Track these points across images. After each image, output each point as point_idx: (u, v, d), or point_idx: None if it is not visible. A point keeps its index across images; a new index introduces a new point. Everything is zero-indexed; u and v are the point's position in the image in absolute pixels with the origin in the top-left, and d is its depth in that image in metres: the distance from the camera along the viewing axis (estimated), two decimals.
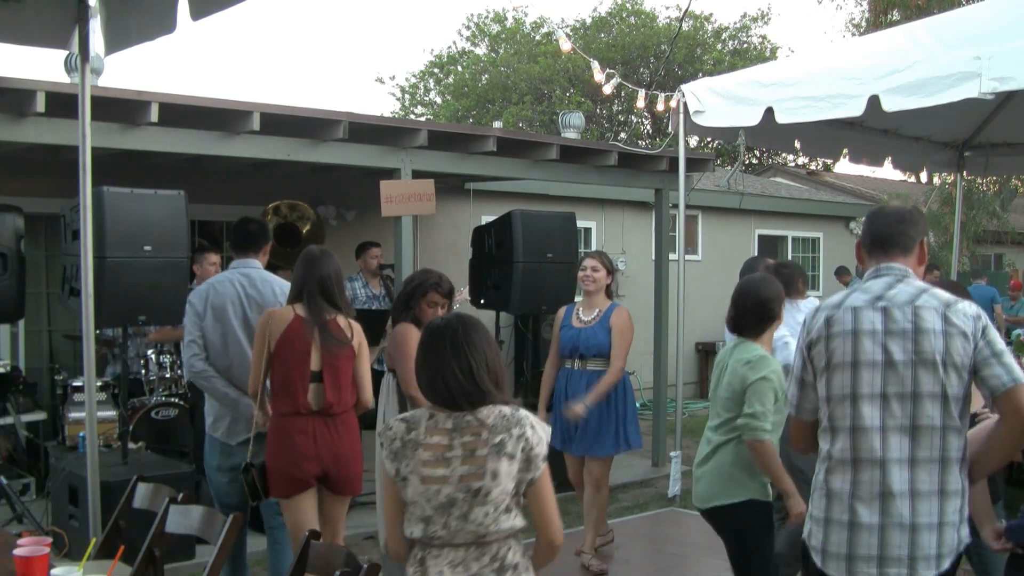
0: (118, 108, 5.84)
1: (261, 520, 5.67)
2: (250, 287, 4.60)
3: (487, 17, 30.51)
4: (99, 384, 6.57)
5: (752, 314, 3.91)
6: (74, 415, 6.51)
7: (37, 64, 51.07)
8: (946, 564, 2.71)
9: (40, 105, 5.42)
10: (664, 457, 8.22)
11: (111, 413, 6.47)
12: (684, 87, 7.03)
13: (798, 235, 14.73)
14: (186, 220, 5.77)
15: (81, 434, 5.91)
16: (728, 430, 3.86)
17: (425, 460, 2.53)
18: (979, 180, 15.58)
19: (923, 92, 5.45)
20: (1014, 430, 2.70)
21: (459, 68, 30.32)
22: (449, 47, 31.72)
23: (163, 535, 3.30)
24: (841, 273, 13.78)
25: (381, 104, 47.23)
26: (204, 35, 60.07)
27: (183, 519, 3.30)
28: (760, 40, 29.09)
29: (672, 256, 8.50)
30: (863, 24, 18.91)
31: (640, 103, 8.23)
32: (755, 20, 29.07)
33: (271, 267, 6.89)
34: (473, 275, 8.20)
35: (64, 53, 6.47)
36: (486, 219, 9.08)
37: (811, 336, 2.89)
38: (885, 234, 2.90)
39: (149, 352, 7.02)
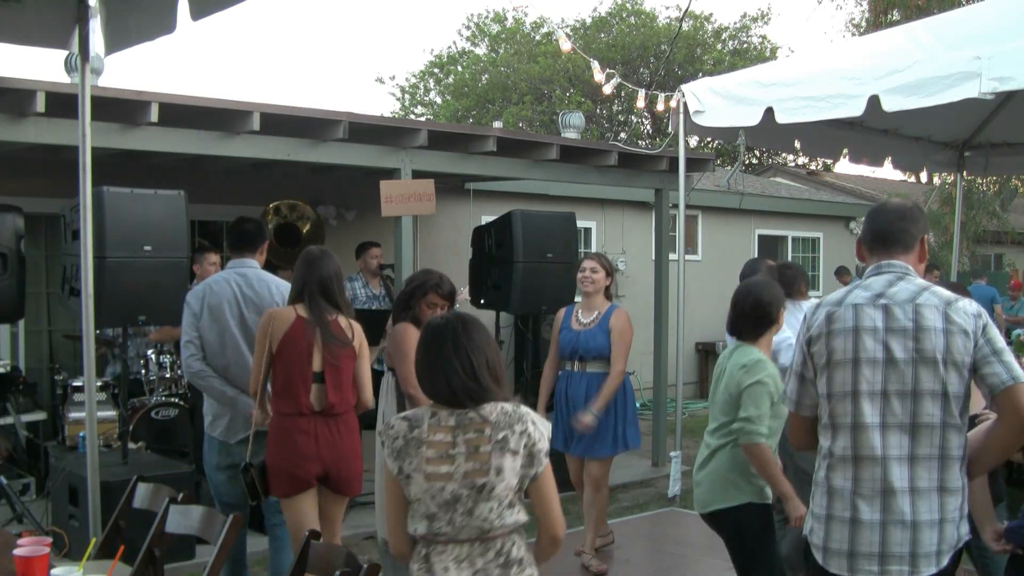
0: (118, 108, 5.84)
1: (261, 520, 5.68)
2: (246, 287, 4.61)
3: (487, 17, 30.54)
4: (99, 384, 6.57)
5: (750, 317, 3.91)
6: (74, 415, 6.51)
7: (37, 64, 51.10)
8: (945, 561, 2.72)
9: (40, 105, 5.42)
10: (664, 457, 8.22)
11: (111, 413, 6.47)
12: (684, 87, 7.03)
13: (798, 235, 14.73)
14: (186, 220, 5.76)
15: (81, 434, 5.91)
16: (724, 434, 3.86)
17: (429, 457, 2.54)
18: (979, 180, 15.59)
19: (923, 92, 5.45)
20: (1012, 428, 2.71)
21: (459, 68, 30.32)
22: (449, 47, 31.77)
23: (163, 535, 3.30)
24: (841, 273, 13.77)
25: (381, 104, 47.31)
26: (204, 35, 60.13)
27: (183, 519, 3.30)
28: (760, 40, 29.11)
29: (672, 256, 8.50)
30: (863, 24, 18.91)
31: (640, 103, 8.23)
32: (755, 20, 29.09)
33: (271, 267, 6.89)
34: (473, 275, 8.20)
35: (64, 53, 6.47)
36: (486, 219, 9.08)
37: (811, 332, 2.89)
38: (886, 231, 2.90)
39: (149, 352, 7.02)
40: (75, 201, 4.79)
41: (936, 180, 14.97)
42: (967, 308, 2.73)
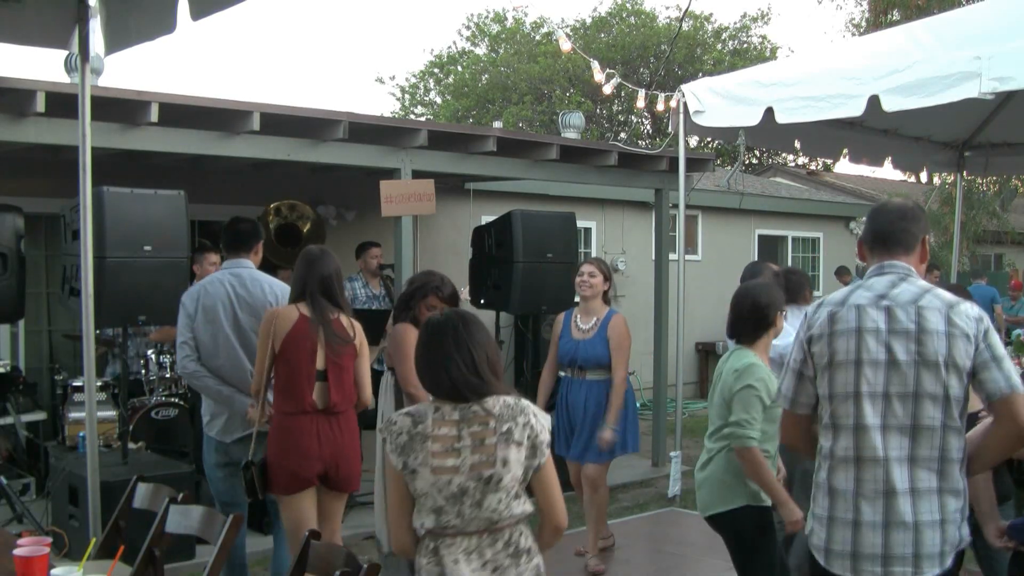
0: (118, 108, 5.84)
1: (261, 520, 5.68)
2: (240, 287, 4.62)
3: (487, 17, 30.54)
4: (99, 384, 6.57)
5: (748, 320, 3.92)
6: (74, 415, 6.50)
7: (37, 64, 51.10)
8: (948, 562, 2.72)
9: (40, 105, 5.42)
10: (664, 457, 8.22)
11: (111, 413, 6.47)
12: (684, 87, 7.03)
13: (798, 235, 14.73)
14: (186, 220, 5.77)
15: (81, 434, 5.91)
16: (720, 438, 3.88)
17: (435, 451, 2.58)
18: (979, 180, 15.59)
19: (923, 92, 5.45)
20: (1008, 436, 2.74)
21: (459, 68, 30.32)
22: (449, 47, 31.77)
23: (163, 535, 3.30)
24: (841, 273, 13.78)
25: (381, 104, 47.31)
26: (204, 35, 60.13)
27: (183, 519, 3.30)
28: (760, 40, 29.10)
29: (672, 256, 8.50)
30: (863, 24, 18.93)
31: (640, 103, 8.22)
32: (755, 20, 29.09)
33: (272, 267, 6.91)
34: (473, 275, 8.20)
35: (64, 53, 6.47)
36: (486, 219, 9.08)
37: (813, 331, 2.89)
38: (887, 231, 2.90)
39: (149, 352, 7.02)
40: (75, 201, 4.79)
41: (936, 180, 14.98)
42: (969, 312, 2.73)
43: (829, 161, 24.29)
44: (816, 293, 13.74)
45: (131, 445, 6.01)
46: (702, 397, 12.08)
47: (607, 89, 7.89)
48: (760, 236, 14.00)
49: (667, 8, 34.22)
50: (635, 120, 26.56)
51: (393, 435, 2.63)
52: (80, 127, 4.38)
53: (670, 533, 6.66)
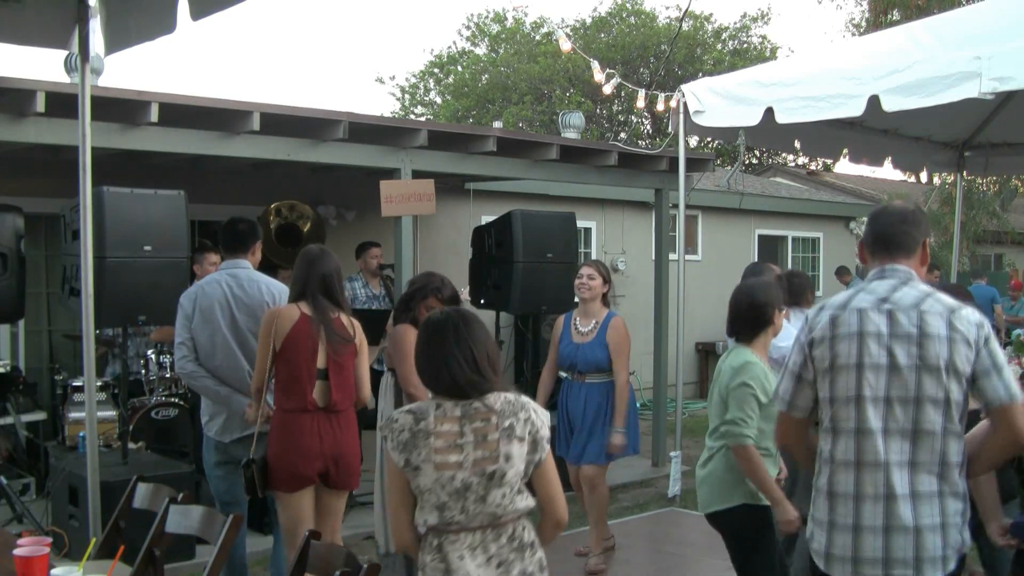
0: (118, 108, 5.84)
1: (261, 520, 5.68)
2: (237, 288, 4.64)
3: (487, 17, 30.54)
4: (99, 384, 6.57)
5: (746, 318, 3.93)
6: (74, 415, 6.50)
7: (37, 64, 51.10)
8: (952, 565, 2.72)
9: (40, 105, 5.42)
10: (664, 457, 8.22)
11: (111, 413, 6.47)
12: (684, 87, 7.03)
13: (798, 235, 14.72)
14: (186, 220, 5.77)
15: (81, 434, 5.91)
16: (719, 436, 3.88)
17: (438, 448, 2.60)
18: (979, 180, 15.59)
19: (923, 92, 5.45)
20: (1006, 443, 2.76)
21: (459, 68, 30.32)
22: (449, 47, 31.76)
23: (163, 535, 3.30)
24: (841, 273, 13.78)
25: (381, 104, 47.29)
26: (204, 35, 60.13)
27: (183, 519, 3.30)
28: (760, 40, 29.10)
29: (672, 256, 8.49)
30: (863, 24, 18.93)
31: (640, 103, 8.22)
32: (755, 20, 29.08)
33: (272, 267, 6.91)
34: (473, 275, 8.20)
35: (64, 53, 6.47)
36: (486, 219, 9.08)
37: (814, 335, 2.88)
38: (888, 235, 2.90)
39: (149, 352, 7.02)
40: (75, 201, 4.80)
41: (936, 180, 14.98)
42: (970, 317, 2.74)
43: (829, 161, 24.29)
44: (816, 293, 13.79)
45: (131, 445, 6.01)
46: (702, 397, 12.07)
47: (607, 89, 7.89)
48: (760, 236, 14.00)
49: (667, 8, 34.28)
50: (635, 120, 26.57)
51: (394, 433, 2.64)
52: (80, 127, 4.38)
53: (670, 533, 6.66)
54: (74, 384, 6.77)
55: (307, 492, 4.20)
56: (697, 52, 27.20)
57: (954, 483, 2.73)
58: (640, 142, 21.23)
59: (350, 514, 6.01)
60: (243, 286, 4.64)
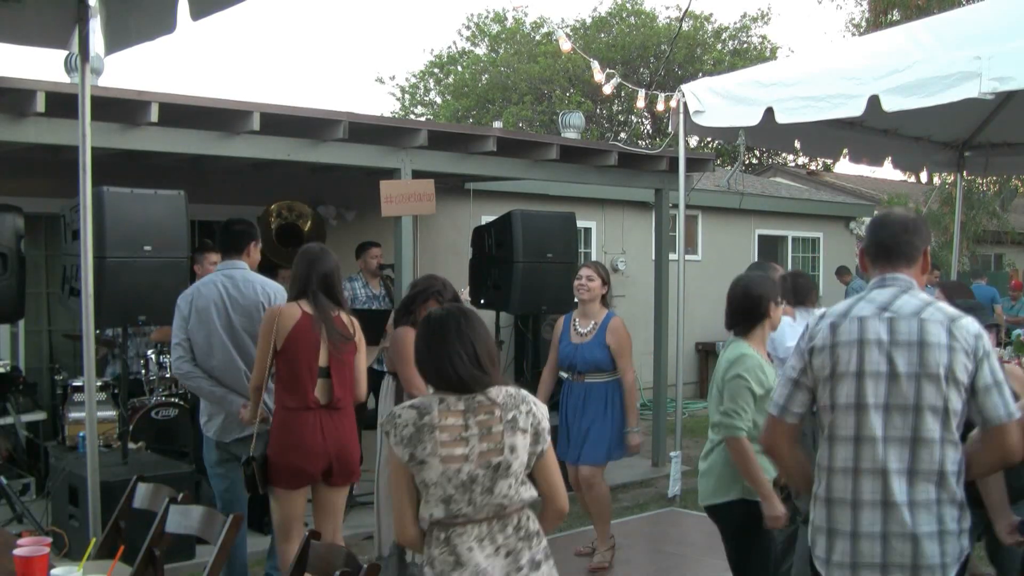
0: (118, 108, 5.84)
1: (261, 520, 5.68)
2: (232, 288, 4.66)
3: (487, 17, 30.53)
4: (99, 384, 6.57)
5: (740, 310, 3.94)
6: (74, 415, 6.50)
7: (37, 64, 51.10)
8: (951, 573, 2.72)
9: (40, 105, 5.42)
10: (664, 457, 8.22)
11: (111, 413, 6.47)
12: (684, 87, 7.03)
13: (798, 235, 14.72)
14: (186, 220, 5.77)
15: (81, 434, 5.91)
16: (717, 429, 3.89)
17: (443, 441, 2.63)
18: (979, 180, 15.59)
19: (923, 92, 5.45)
20: (994, 461, 2.80)
21: (459, 68, 30.32)
22: (449, 47, 31.75)
23: (163, 535, 3.30)
24: (841, 273, 13.78)
25: (381, 104, 47.30)
26: (204, 35, 60.13)
27: (183, 519, 3.30)
28: (760, 40, 29.10)
29: (672, 256, 8.50)
30: (863, 24, 18.93)
31: (640, 103, 8.23)
32: (755, 20, 29.08)
33: (272, 267, 6.91)
34: (473, 275, 8.20)
35: (64, 53, 6.47)
36: (486, 219, 9.08)
37: (815, 343, 2.88)
38: (890, 244, 2.90)
39: (149, 352, 7.03)
40: (75, 201, 4.80)
41: (936, 180, 14.98)
42: (969, 327, 2.74)
43: (829, 161, 24.30)
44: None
45: (131, 445, 6.02)
46: (702, 397, 12.07)
47: (607, 89, 7.89)
48: (760, 236, 14.00)
49: (667, 8, 34.28)
50: (635, 120, 26.57)
51: (398, 428, 2.66)
52: (80, 127, 4.39)
53: (670, 533, 6.65)
54: (74, 384, 6.78)
55: (304, 490, 4.23)
56: (697, 52, 27.20)
57: (952, 491, 2.73)
58: (640, 142, 21.23)
59: (350, 514, 6.01)
60: (239, 287, 4.66)
